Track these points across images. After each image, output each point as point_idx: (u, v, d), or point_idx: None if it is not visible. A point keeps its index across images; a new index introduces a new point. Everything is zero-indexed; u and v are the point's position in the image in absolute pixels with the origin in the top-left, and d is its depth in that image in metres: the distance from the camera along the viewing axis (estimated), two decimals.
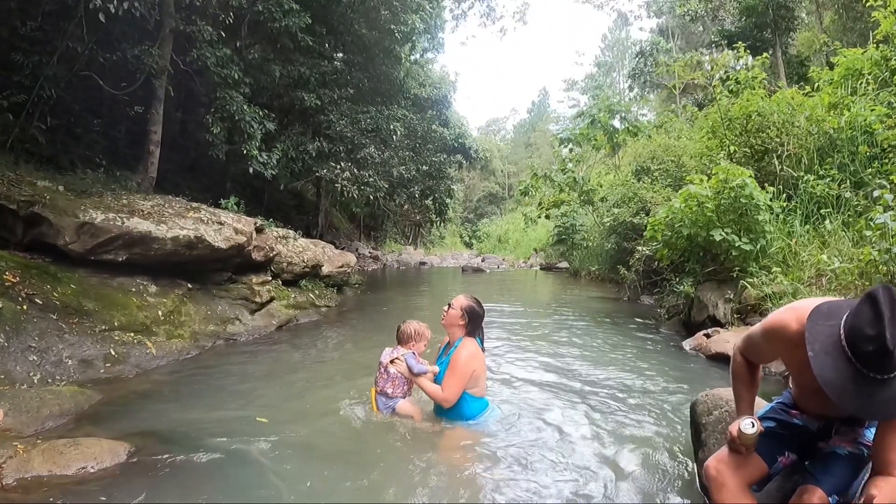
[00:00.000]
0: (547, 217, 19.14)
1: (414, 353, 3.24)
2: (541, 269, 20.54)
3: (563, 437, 3.12)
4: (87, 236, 5.08)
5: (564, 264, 18.39)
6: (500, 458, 2.80)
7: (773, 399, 2.20)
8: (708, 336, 5.45)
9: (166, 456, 2.78)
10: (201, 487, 2.50)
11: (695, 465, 2.67)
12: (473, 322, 3.20)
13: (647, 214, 9.31)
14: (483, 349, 3.29)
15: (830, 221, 5.73)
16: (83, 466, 2.61)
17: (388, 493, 2.47)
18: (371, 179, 12.92)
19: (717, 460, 1.92)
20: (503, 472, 2.66)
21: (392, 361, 3.22)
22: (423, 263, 22.96)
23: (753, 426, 1.84)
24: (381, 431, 3.13)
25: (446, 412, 3.13)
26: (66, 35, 7.51)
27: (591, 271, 14.57)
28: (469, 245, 37.34)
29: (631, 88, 32.54)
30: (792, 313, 1.81)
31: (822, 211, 6.05)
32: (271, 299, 6.97)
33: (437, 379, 3.16)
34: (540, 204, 18.99)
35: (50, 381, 3.92)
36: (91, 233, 5.09)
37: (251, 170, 9.82)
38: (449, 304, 3.25)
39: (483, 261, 24.08)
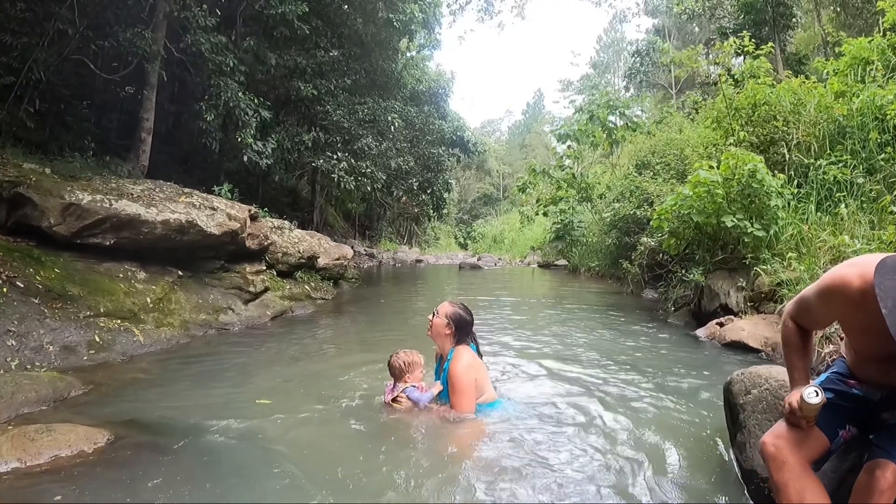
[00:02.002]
0: (545, 214, 18.97)
1: (414, 385, 3.00)
2: (538, 266, 20.34)
3: (582, 429, 2.87)
4: (72, 218, 4.83)
5: (563, 262, 18.18)
6: (516, 452, 2.55)
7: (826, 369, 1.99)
8: (721, 325, 5.26)
9: (148, 444, 2.56)
10: (184, 476, 2.27)
11: (731, 450, 2.44)
12: (461, 329, 2.99)
13: (651, 206, 9.12)
14: (480, 354, 3.07)
15: (846, 206, 5.55)
16: (56, 454, 2.37)
17: (389, 492, 2.22)
18: (368, 171, 12.69)
19: (775, 436, 1.71)
20: (520, 466, 2.41)
21: (395, 400, 2.98)
22: (419, 261, 22.76)
23: (817, 395, 1.63)
24: (382, 425, 2.90)
25: None
26: (57, 17, 7.25)
27: (591, 268, 14.36)
28: (464, 246, 37.09)
29: (627, 89, 32.48)
30: (854, 269, 1.63)
31: (836, 196, 5.87)
32: (265, 289, 6.72)
33: (442, 396, 2.94)
34: (538, 201, 18.85)
35: (29, 366, 3.68)
36: (77, 214, 4.83)
37: (246, 158, 9.57)
38: (433, 313, 3.04)
39: (479, 259, 23.88)
